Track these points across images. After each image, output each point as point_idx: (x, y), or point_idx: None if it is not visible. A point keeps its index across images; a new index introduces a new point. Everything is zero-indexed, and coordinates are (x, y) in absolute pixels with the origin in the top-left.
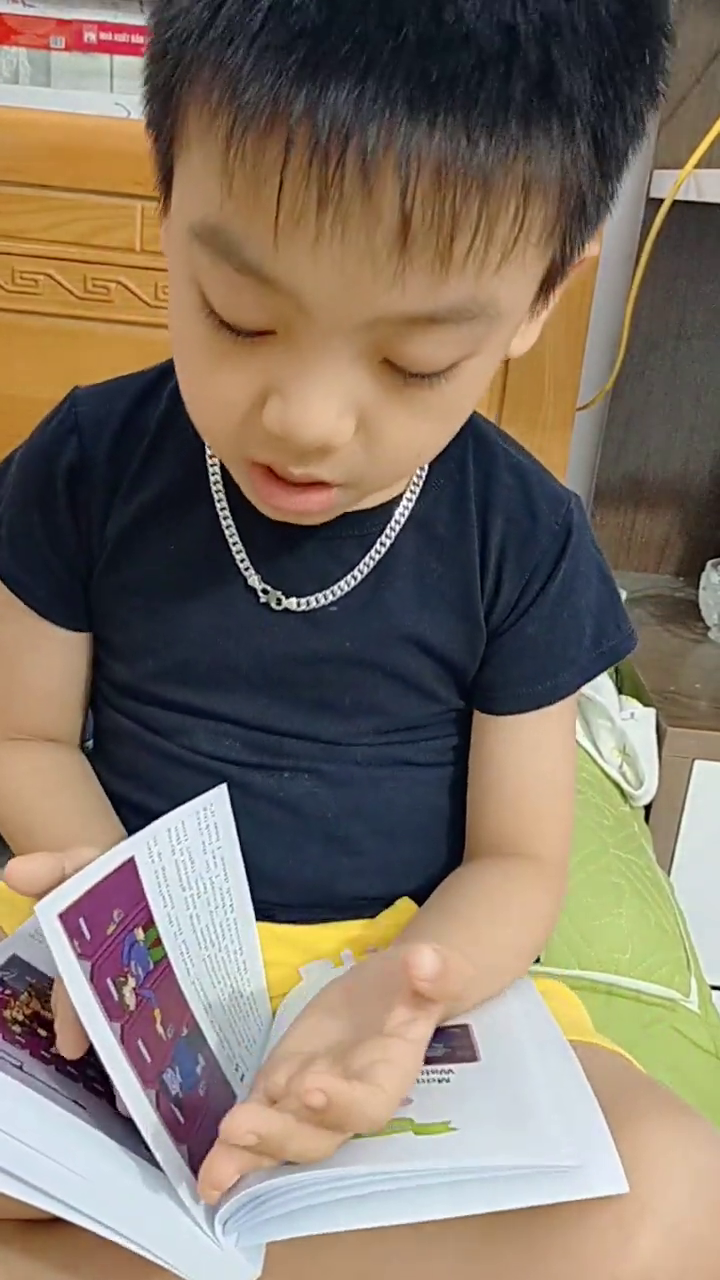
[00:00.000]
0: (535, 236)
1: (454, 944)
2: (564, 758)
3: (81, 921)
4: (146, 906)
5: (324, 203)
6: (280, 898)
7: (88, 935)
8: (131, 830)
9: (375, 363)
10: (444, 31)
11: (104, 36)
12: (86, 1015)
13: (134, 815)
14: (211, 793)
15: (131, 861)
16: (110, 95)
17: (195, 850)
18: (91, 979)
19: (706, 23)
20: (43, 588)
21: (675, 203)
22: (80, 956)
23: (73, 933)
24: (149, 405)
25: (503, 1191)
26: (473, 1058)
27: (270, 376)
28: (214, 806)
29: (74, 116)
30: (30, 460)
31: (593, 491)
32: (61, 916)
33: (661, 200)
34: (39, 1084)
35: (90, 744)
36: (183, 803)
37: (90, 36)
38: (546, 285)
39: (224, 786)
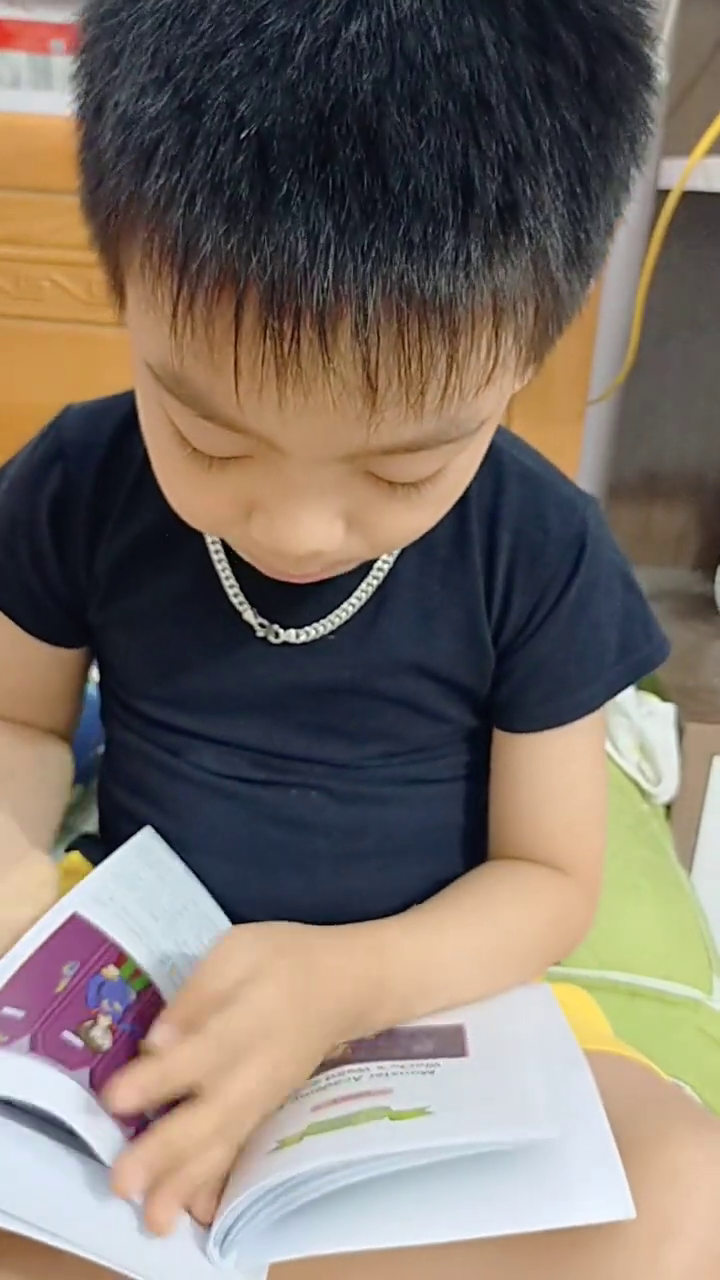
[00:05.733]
0: (512, 352)
1: (464, 911)
2: (591, 773)
3: (6, 1010)
4: (112, 947)
5: (283, 373)
6: (291, 920)
7: (19, 1014)
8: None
9: (360, 474)
10: (391, 199)
11: None
12: (44, 1099)
13: (138, 829)
14: (143, 832)
15: (74, 917)
16: None
17: (152, 883)
18: (32, 1049)
19: (713, 10)
20: (29, 610)
21: (685, 192)
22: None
23: None
24: (136, 430)
25: (508, 1216)
26: (461, 1054)
27: (253, 494)
28: (150, 844)
29: None
30: (15, 487)
31: (607, 486)
32: None
33: (670, 190)
34: (24, 1116)
35: (102, 749)
36: (187, 818)
37: None
38: (537, 356)
39: (148, 829)
